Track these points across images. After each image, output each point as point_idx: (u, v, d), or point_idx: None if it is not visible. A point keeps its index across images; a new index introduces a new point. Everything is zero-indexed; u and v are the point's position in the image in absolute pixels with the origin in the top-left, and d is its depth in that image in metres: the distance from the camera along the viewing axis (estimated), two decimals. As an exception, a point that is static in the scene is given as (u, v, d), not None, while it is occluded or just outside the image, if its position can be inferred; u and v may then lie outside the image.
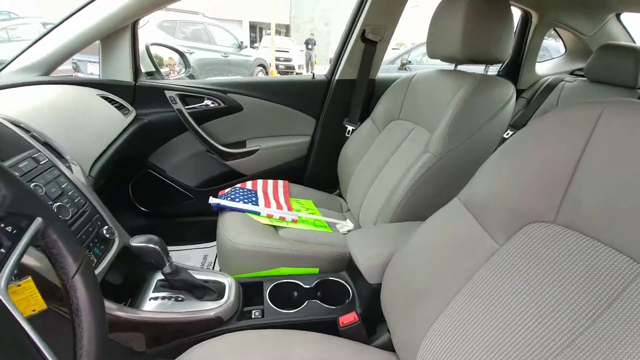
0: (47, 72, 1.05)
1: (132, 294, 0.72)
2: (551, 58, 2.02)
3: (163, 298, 0.72)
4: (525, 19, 1.68)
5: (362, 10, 1.27)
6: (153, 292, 0.73)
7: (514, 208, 0.51)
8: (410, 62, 4.36)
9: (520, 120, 1.57)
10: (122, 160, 1.01)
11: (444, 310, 0.54)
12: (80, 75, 3.73)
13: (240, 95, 1.33)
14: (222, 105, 1.31)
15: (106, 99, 1.09)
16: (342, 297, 0.84)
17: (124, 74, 1.21)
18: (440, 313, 0.54)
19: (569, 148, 0.46)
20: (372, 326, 0.77)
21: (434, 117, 0.96)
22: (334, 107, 1.40)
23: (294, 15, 14.92)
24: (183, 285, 0.72)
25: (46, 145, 0.71)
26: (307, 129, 1.44)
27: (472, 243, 0.54)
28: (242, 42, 6.40)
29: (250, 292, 0.82)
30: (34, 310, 0.48)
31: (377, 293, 0.69)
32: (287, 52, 9.25)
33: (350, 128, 1.38)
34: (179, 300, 0.72)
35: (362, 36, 1.30)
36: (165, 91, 1.24)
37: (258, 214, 1.03)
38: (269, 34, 10.43)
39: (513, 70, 1.71)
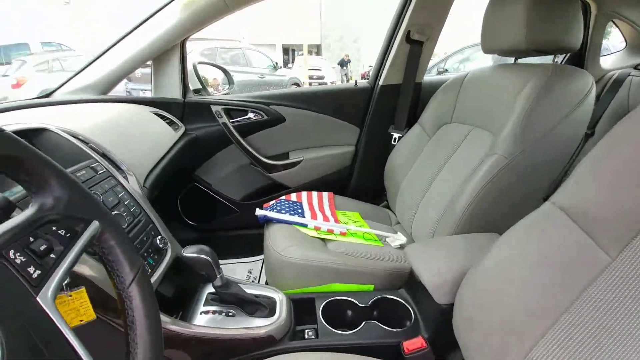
0: (104, 92, 1.12)
1: (183, 307, 0.69)
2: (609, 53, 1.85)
3: (214, 312, 0.69)
4: (584, 10, 1.54)
5: (407, 10, 1.22)
6: (204, 305, 0.70)
7: (626, 212, 0.41)
8: (447, 70, 4.23)
9: (591, 118, 1.40)
10: (172, 173, 1.02)
11: (544, 336, 0.44)
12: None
13: (282, 107, 1.32)
14: (265, 117, 1.31)
15: (158, 115, 1.13)
16: (403, 318, 0.75)
17: (174, 92, 1.26)
18: (539, 340, 0.44)
19: None
20: (442, 353, 0.68)
21: (497, 117, 0.86)
22: (378, 114, 1.35)
23: (324, 35, 15.35)
24: (234, 299, 0.69)
25: (104, 156, 0.72)
26: (351, 138, 1.39)
27: (577, 256, 0.45)
28: (277, 63, 6.66)
29: (301, 309, 0.76)
30: (81, 321, 0.46)
31: (447, 314, 0.60)
32: (320, 70, 9.48)
33: (396, 135, 1.31)
34: (230, 316, 0.68)
35: (407, 37, 1.24)
36: (212, 106, 1.27)
37: (305, 225, 0.99)
38: (301, 55, 10.78)
39: (576, 65, 1.55)
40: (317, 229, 0.99)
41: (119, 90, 1.34)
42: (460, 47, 4.67)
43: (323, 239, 0.96)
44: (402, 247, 0.98)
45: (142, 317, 0.36)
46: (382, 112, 1.34)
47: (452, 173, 0.95)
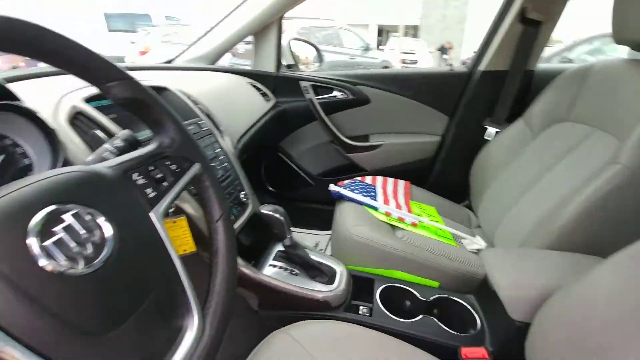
0: (212, 62, 1.26)
1: (255, 257, 0.77)
2: None
3: (280, 268, 0.75)
4: None
5: None
6: (273, 260, 0.77)
7: None
8: (571, 60, 3.56)
9: None
10: (260, 141, 1.11)
11: None
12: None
13: (369, 88, 1.30)
14: (351, 97, 1.30)
15: (254, 86, 1.23)
16: (466, 324, 0.70)
17: (269, 65, 1.34)
18: None
19: None
20: None
21: (626, 120, 0.71)
22: (474, 104, 1.22)
23: (425, 15, 14.27)
24: (299, 260, 0.74)
25: (207, 117, 0.82)
26: (438, 127, 1.30)
27: None
28: (369, 45, 6.50)
29: (360, 286, 0.78)
30: (184, 251, 0.56)
31: (521, 333, 0.54)
32: (413, 53, 8.92)
33: (492, 130, 1.18)
34: (294, 274, 0.74)
35: (522, 16, 1.07)
36: (300, 82, 1.32)
37: (376, 209, 0.98)
38: (396, 36, 10.31)
39: None
40: (387, 214, 0.97)
41: (225, 62, 1.50)
42: (592, 34, 3.86)
43: (392, 226, 0.95)
44: (478, 252, 0.90)
45: (223, 248, 0.44)
46: (478, 101, 1.21)
47: (559, 180, 0.82)
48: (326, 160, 1.42)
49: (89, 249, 0.28)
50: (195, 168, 0.42)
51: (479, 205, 1.07)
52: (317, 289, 0.70)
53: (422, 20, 14.30)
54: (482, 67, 1.19)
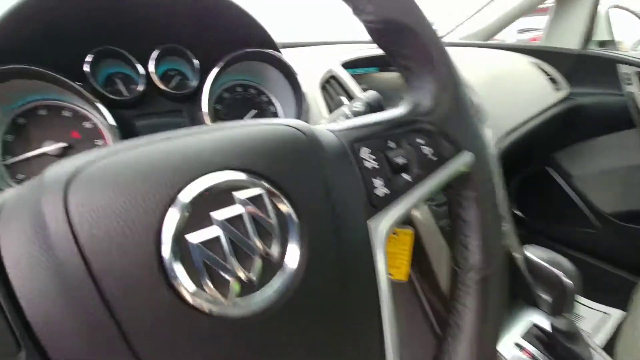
0: (486, 39, 1.03)
1: None
2: None
3: (532, 357, 0.45)
4: None
5: None
6: (522, 337, 0.47)
7: None
8: None
9: None
10: (529, 145, 0.78)
11: None
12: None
13: None
14: None
15: (540, 69, 0.89)
16: None
17: (570, 41, 0.94)
18: None
19: None
20: None
21: None
22: None
23: None
24: (574, 362, 0.41)
25: None
26: None
27: None
28: None
29: None
30: (390, 275, 0.39)
31: None
32: None
33: None
34: None
35: None
36: (619, 65, 0.83)
37: None
38: None
39: None
40: None
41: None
42: None
43: None
44: None
45: (472, 329, 0.23)
46: None
47: None
48: (636, 195, 0.86)
49: (255, 268, 0.15)
50: (462, 160, 0.22)
51: None
52: None
53: None
54: None
